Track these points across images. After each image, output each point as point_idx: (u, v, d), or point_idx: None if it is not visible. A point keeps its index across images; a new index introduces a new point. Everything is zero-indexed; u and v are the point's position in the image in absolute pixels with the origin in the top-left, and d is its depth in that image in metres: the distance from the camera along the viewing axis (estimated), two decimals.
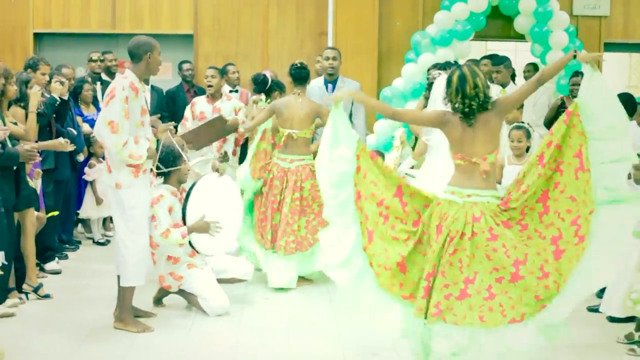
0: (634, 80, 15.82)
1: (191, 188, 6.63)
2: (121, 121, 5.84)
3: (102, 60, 10.31)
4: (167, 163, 6.53)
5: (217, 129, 7.97)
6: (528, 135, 7.27)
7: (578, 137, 4.97)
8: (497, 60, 9.40)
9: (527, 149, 7.32)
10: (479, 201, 5.01)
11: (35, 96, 7.22)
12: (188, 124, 8.47)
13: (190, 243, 6.55)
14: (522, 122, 7.47)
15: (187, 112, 8.64)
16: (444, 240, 4.95)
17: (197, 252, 6.64)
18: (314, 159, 6.47)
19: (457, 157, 5.11)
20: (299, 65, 7.88)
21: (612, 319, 6.38)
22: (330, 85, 8.56)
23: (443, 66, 8.78)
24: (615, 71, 14.30)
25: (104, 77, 10.21)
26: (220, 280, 6.76)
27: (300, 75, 7.80)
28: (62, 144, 7.24)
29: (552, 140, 5.01)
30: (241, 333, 6.20)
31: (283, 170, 7.57)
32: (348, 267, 5.16)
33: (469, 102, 4.99)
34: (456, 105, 5.04)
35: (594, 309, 6.76)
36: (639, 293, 5.68)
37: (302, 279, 7.59)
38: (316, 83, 8.60)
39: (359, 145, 5.26)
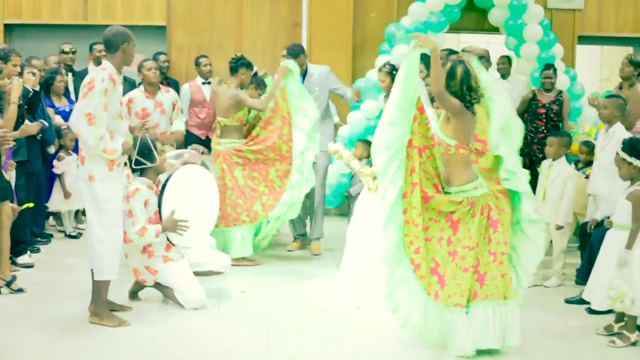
0: (605, 73, 15.87)
1: (167, 180, 6.55)
2: (99, 114, 5.74)
3: (73, 52, 10.16)
4: (145, 157, 6.43)
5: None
6: None
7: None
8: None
9: None
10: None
11: (18, 87, 7.10)
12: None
13: (166, 236, 6.47)
14: None
15: (123, 108, 7.53)
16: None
17: (173, 244, 6.56)
18: None
19: (464, 147, 5.49)
20: (235, 57, 8.46)
21: (592, 311, 6.40)
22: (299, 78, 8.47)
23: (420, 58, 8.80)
24: (588, 64, 14.31)
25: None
26: (196, 273, 6.69)
27: (233, 67, 8.37)
28: (29, 126, 7.12)
29: None
30: (219, 326, 6.13)
31: (217, 153, 8.18)
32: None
33: (472, 94, 5.41)
34: (465, 97, 5.41)
35: (571, 301, 6.78)
36: (616, 290, 5.69)
37: (244, 259, 8.00)
38: None
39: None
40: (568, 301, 6.83)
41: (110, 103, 5.83)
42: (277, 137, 8.15)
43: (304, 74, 8.52)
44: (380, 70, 8.09)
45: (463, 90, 5.41)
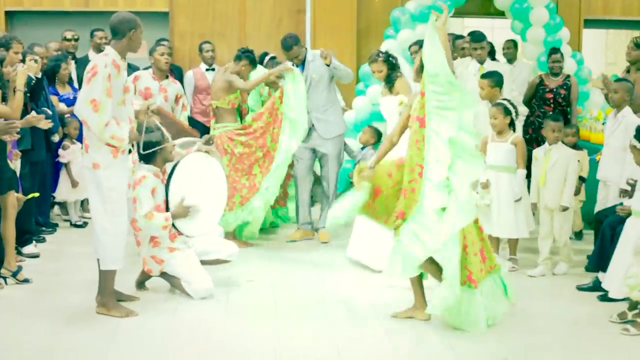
0: (611, 57, 15.78)
1: (174, 167, 6.47)
2: (103, 100, 5.65)
3: (76, 39, 10.08)
4: (151, 144, 6.36)
5: (177, 129, 7.87)
6: (506, 112, 7.20)
7: None
8: (479, 37, 9.21)
9: (512, 126, 7.25)
10: None
11: (23, 74, 7.02)
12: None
13: (173, 224, 6.40)
14: (503, 99, 7.39)
15: (130, 85, 7.60)
16: None
17: (180, 233, 6.49)
18: None
19: None
20: (244, 48, 8.58)
21: (603, 298, 6.34)
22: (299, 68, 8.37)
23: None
24: (593, 48, 14.24)
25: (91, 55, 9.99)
26: (204, 262, 6.63)
27: (238, 55, 8.48)
28: (35, 117, 7.06)
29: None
30: (227, 316, 6.07)
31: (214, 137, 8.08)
32: None
33: None
34: None
35: (583, 288, 6.72)
36: (635, 279, 5.61)
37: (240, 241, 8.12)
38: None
39: None
40: (580, 288, 6.76)
41: (113, 89, 5.75)
42: (268, 135, 8.28)
43: (303, 62, 8.37)
44: (374, 61, 7.84)
45: None
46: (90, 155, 5.83)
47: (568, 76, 9.58)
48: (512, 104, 7.32)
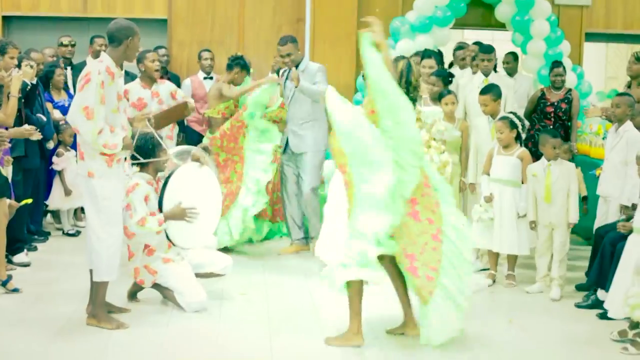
0: (611, 71, 15.71)
1: (168, 177, 6.36)
2: (96, 107, 5.56)
3: (72, 45, 9.99)
4: (146, 153, 6.26)
5: (177, 113, 8.11)
6: (512, 125, 7.12)
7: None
8: (488, 49, 8.99)
9: (518, 140, 7.16)
10: None
11: (18, 80, 6.93)
12: None
13: (166, 235, 6.29)
14: (509, 113, 7.32)
15: (122, 102, 7.86)
16: None
17: (174, 244, 6.38)
18: None
19: None
20: (235, 55, 8.77)
21: (603, 316, 6.23)
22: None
23: (425, 54, 8.63)
24: (593, 62, 14.16)
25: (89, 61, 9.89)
26: (197, 275, 6.52)
27: (229, 64, 8.65)
28: (28, 129, 6.97)
29: None
30: (220, 329, 5.95)
31: None
32: None
33: (413, 90, 5.56)
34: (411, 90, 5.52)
35: (582, 305, 6.62)
36: (636, 298, 5.51)
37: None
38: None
39: None
40: (579, 306, 6.66)
41: (107, 96, 5.65)
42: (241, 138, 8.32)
43: (295, 67, 8.20)
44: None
45: (402, 85, 5.47)
46: (85, 164, 5.73)
47: (570, 90, 9.49)
48: (518, 117, 7.24)
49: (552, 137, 7.07)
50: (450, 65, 10.56)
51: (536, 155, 7.60)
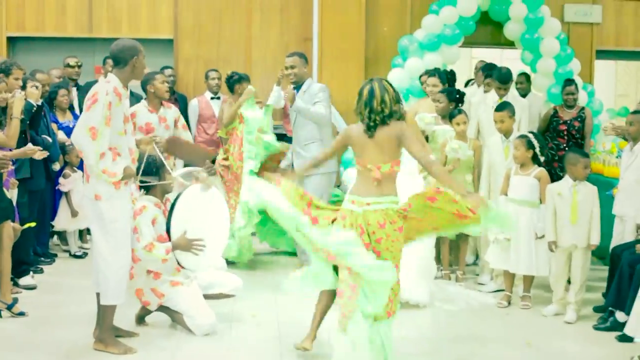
0: (621, 89, 15.60)
1: (176, 199, 6.24)
2: (101, 128, 5.44)
3: (79, 66, 9.90)
4: (151, 175, 6.15)
5: (194, 155, 7.97)
6: (529, 145, 7.01)
7: None
8: (506, 78, 8.63)
9: (535, 160, 7.04)
10: (378, 208, 5.29)
11: (20, 101, 6.83)
12: None
13: (175, 259, 6.16)
14: (529, 133, 7.22)
15: (129, 124, 7.77)
16: None
17: (182, 267, 6.25)
18: None
19: (358, 163, 5.47)
20: (228, 75, 8.82)
21: (622, 338, 6.08)
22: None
23: (433, 73, 8.53)
24: (603, 80, 14.05)
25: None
26: (207, 296, 6.38)
27: (229, 86, 8.74)
28: (32, 149, 6.86)
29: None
30: (230, 353, 5.82)
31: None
32: None
33: (374, 116, 5.32)
34: (363, 117, 5.38)
35: (601, 328, 6.47)
36: None
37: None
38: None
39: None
40: (597, 328, 6.51)
41: (114, 118, 5.54)
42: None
43: (297, 88, 8.05)
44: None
45: (365, 112, 5.36)
46: (92, 186, 5.61)
47: (583, 108, 9.38)
48: (538, 137, 7.12)
49: (582, 157, 6.92)
50: (467, 83, 10.45)
51: (549, 173, 7.47)
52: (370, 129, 5.34)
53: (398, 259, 5.32)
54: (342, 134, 5.67)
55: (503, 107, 7.64)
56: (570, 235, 6.79)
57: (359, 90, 5.44)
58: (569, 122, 9.19)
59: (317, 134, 8.03)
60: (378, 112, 5.31)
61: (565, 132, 9.19)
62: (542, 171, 7.12)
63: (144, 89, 8.05)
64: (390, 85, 5.45)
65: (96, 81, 9.77)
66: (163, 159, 6.31)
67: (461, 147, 7.54)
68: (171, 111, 8.21)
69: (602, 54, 11.66)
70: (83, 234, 9.23)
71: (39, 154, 6.96)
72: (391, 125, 5.34)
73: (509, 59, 11.87)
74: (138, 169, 6.00)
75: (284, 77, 8.21)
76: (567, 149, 8.91)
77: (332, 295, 5.57)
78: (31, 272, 7.62)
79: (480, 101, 8.73)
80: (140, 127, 7.86)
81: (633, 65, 15.76)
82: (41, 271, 8.06)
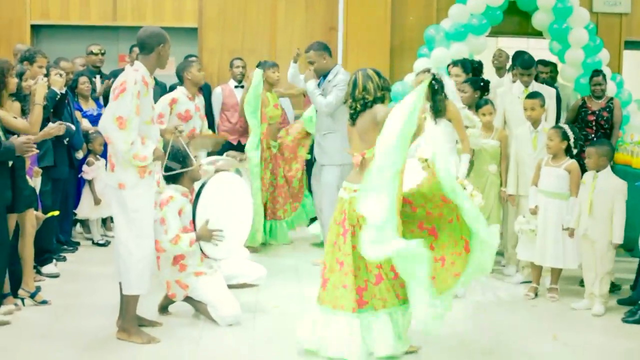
0: None
1: (201, 188, 6.19)
2: (131, 117, 5.38)
3: (102, 54, 9.85)
4: (178, 163, 6.09)
5: (212, 143, 8.06)
6: (564, 136, 6.90)
7: None
8: (529, 63, 8.52)
9: (568, 152, 6.92)
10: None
11: (42, 88, 6.77)
12: (164, 120, 7.65)
13: (200, 247, 6.11)
14: (565, 124, 7.14)
15: (165, 108, 7.71)
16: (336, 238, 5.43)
17: (206, 256, 6.19)
18: None
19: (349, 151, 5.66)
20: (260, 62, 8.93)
21: None
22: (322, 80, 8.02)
23: (456, 62, 8.41)
24: (631, 70, 13.83)
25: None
26: (230, 286, 6.34)
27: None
28: (53, 128, 6.80)
29: None
30: (254, 345, 5.74)
31: None
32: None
33: (354, 104, 5.52)
34: (348, 106, 5.62)
35: (629, 321, 6.36)
36: None
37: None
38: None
39: None
40: (626, 321, 6.40)
41: (142, 106, 5.48)
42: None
43: (325, 75, 7.97)
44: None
45: (348, 101, 5.63)
46: (116, 175, 5.56)
47: (611, 98, 9.25)
48: (573, 129, 7.01)
49: (590, 146, 6.87)
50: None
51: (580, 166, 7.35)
52: (352, 117, 5.55)
53: None
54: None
55: (535, 95, 7.54)
56: (586, 226, 6.67)
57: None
58: (597, 112, 9.07)
59: (332, 125, 7.90)
60: (359, 99, 5.48)
61: (593, 123, 9.07)
62: (573, 163, 6.99)
63: (179, 77, 7.98)
64: (378, 74, 5.59)
65: (121, 69, 9.98)
66: (187, 148, 6.24)
67: (472, 134, 7.36)
68: (200, 99, 8.20)
69: (631, 44, 11.48)
70: (106, 222, 9.20)
71: (61, 129, 6.89)
72: (370, 112, 5.47)
73: (537, 49, 11.67)
74: None
75: (300, 55, 8.30)
76: (595, 139, 8.79)
77: None
78: (54, 260, 7.60)
79: (506, 91, 8.59)
80: (179, 114, 7.76)
81: None
82: (64, 259, 8.04)
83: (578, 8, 10.21)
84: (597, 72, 9.29)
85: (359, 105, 5.49)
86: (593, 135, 8.96)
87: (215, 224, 6.12)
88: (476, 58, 9.70)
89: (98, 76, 9.76)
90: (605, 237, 6.66)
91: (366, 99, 5.46)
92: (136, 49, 9.72)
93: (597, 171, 6.72)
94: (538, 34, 10.81)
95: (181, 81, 7.99)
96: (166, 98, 7.79)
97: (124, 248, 5.60)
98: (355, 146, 5.56)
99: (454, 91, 7.29)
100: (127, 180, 5.53)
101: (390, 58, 10.67)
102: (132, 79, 5.46)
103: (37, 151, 6.42)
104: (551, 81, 9.51)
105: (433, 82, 7.01)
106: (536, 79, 8.85)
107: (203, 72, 8.04)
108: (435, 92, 6.75)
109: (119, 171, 5.55)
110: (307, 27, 11.07)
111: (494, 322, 6.40)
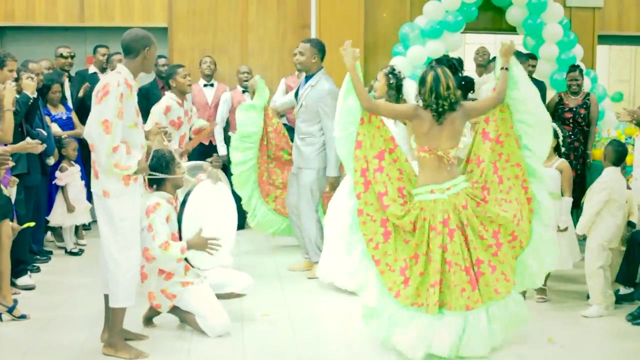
0: (615, 74, 15.44)
1: (186, 196, 5.99)
2: (114, 121, 5.17)
3: (72, 57, 9.57)
4: (161, 169, 5.89)
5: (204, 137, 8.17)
6: (554, 135, 6.79)
7: (507, 113, 5.77)
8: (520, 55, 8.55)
9: (557, 151, 6.83)
10: (459, 190, 5.52)
11: (11, 92, 6.52)
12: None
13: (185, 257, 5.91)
14: (552, 122, 6.97)
15: (160, 117, 7.52)
16: (442, 239, 5.39)
17: (192, 266, 6.00)
18: None
19: (423, 150, 5.55)
20: None
21: None
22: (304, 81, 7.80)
23: (440, 60, 8.27)
24: (600, 65, 13.89)
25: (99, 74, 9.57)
26: (218, 296, 6.12)
27: None
28: (30, 143, 6.55)
29: (489, 117, 5.74)
30: (246, 356, 5.56)
31: None
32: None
33: (442, 102, 5.46)
34: (430, 104, 5.50)
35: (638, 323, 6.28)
36: None
37: None
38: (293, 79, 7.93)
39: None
40: (637, 323, 6.31)
41: (125, 110, 5.28)
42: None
43: (309, 77, 7.73)
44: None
45: (431, 98, 5.49)
46: (100, 182, 5.34)
47: (588, 94, 9.21)
48: (561, 127, 6.92)
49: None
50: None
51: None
52: (440, 115, 5.51)
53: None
54: (413, 107, 5.67)
55: None
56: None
57: (420, 77, 5.61)
58: (574, 109, 9.04)
59: (311, 131, 7.70)
60: (445, 97, 5.48)
61: (571, 120, 9.05)
62: (563, 162, 6.90)
63: (168, 83, 7.79)
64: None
65: (87, 70, 9.77)
66: (173, 151, 6.04)
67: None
68: (188, 103, 8.00)
69: (605, 39, 11.47)
70: (79, 230, 8.94)
71: (39, 148, 6.67)
72: (458, 111, 5.58)
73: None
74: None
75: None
76: (572, 136, 8.76)
77: None
78: (28, 272, 7.34)
79: (491, 88, 8.46)
80: (172, 121, 7.57)
81: (628, 50, 15.62)
82: (38, 270, 7.78)
83: (552, 3, 10.17)
84: (574, 67, 9.24)
85: (446, 104, 5.48)
86: (570, 133, 8.89)
87: (205, 234, 5.93)
88: (451, 54, 9.61)
89: (67, 79, 9.48)
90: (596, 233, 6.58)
91: (451, 98, 5.50)
92: (100, 50, 9.62)
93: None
94: (512, 30, 10.75)
95: (168, 85, 7.79)
96: (161, 107, 7.59)
97: (110, 259, 5.38)
98: (437, 144, 5.52)
99: None
100: (111, 188, 5.32)
101: (364, 56, 10.52)
102: (114, 81, 5.26)
103: (13, 164, 6.20)
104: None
105: (389, 75, 7.32)
106: None
107: (189, 79, 7.77)
108: (389, 85, 7.33)
109: (102, 178, 5.34)
110: (279, 26, 10.89)
111: None
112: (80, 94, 9.30)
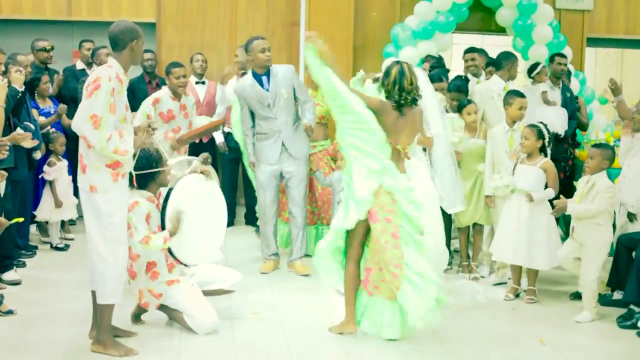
0: (600, 76, 15.44)
1: (169, 191, 5.93)
2: (105, 115, 5.12)
3: (52, 49, 9.43)
4: (147, 166, 5.82)
5: (209, 130, 8.07)
6: (539, 135, 6.79)
7: None
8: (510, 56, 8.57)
9: (542, 150, 6.82)
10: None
11: (3, 88, 6.45)
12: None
13: (170, 252, 5.85)
14: (540, 123, 6.97)
15: (149, 108, 7.58)
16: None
17: (179, 261, 5.94)
18: None
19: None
20: None
21: None
22: (264, 78, 7.57)
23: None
24: (596, 66, 13.97)
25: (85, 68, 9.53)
26: (205, 293, 6.07)
27: None
28: (21, 134, 6.50)
29: None
30: (236, 354, 5.52)
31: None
32: None
33: (405, 95, 5.66)
34: (392, 95, 5.69)
35: (625, 326, 6.27)
36: None
37: None
38: (246, 82, 7.68)
39: None
40: (623, 326, 6.30)
41: (117, 104, 5.23)
42: None
43: (267, 73, 7.58)
44: None
45: (395, 90, 5.68)
46: (88, 177, 5.28)
47: (576, 97, 9.20)
48: (547, 128, 6.90)
49: (594, 147, 6.69)
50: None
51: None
52: (401, 108, 5.70)
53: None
54: (379, 100, 5.76)
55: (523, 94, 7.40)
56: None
57: (385, 70, 5.80)
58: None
59: (267, 127, 7.65)
60: (409, 91, 5.68)
61: None
62: (547, 162, 6.89)
63: (161, 79, 7.78)
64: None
65: (75, 66, 9.67)
66: (161, 148, 5.98)
67: (462, 140, 7.33)
68: (190, 98, 7.98)
69: (593, 42, 11.49)
70: (65, 224, 8.86)
71: (29, 142, 6.60)
72: (418, 108, 5.84)
73: (501, 46, 11.60)
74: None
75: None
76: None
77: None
78: (14, 267, 7.26)
79: (485, 89, 8.39)
80: (161, 113, 7.60)
81: (614, 52, 15.66)
82: (23, 265, 7.70)
83: (542, 4, 10.19)
84: (559, 54, 9.24)
85: (409, 98, 5.70)
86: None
87: (187, 230, 5.87)
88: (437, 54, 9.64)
89: (46, 74, 9.34)
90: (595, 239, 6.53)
91: (413, 93, 5.72)
92: (85, 44, 9.51)
93: (592, 175, 6.57)
94: (501, 31, 10.76)
95: (160, 79, 7.78)
96: (150, 98, 7.65)
97: (97, 256, 5.32)
98: (399, 139, 5.71)
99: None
100: (99, 184, 5.26)
101: (353, 56, 10.50)
102: (106, 75, 5.20)
103: (7, 154, 6.13)
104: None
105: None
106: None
107: (184, 80, 7.74)
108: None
109: (90, 173, 5.27)
110: (268, 23, 10.83)
111: (476, 328, 6.24)
112: (54, 86, 9.19)
